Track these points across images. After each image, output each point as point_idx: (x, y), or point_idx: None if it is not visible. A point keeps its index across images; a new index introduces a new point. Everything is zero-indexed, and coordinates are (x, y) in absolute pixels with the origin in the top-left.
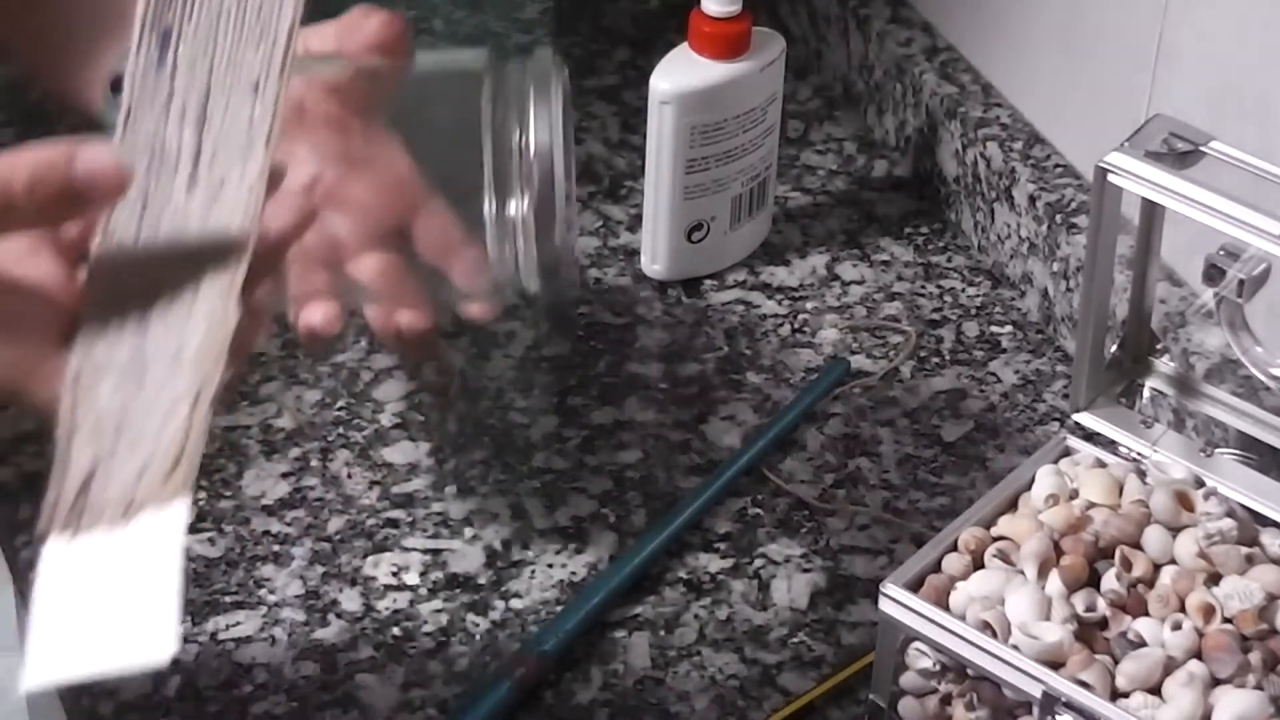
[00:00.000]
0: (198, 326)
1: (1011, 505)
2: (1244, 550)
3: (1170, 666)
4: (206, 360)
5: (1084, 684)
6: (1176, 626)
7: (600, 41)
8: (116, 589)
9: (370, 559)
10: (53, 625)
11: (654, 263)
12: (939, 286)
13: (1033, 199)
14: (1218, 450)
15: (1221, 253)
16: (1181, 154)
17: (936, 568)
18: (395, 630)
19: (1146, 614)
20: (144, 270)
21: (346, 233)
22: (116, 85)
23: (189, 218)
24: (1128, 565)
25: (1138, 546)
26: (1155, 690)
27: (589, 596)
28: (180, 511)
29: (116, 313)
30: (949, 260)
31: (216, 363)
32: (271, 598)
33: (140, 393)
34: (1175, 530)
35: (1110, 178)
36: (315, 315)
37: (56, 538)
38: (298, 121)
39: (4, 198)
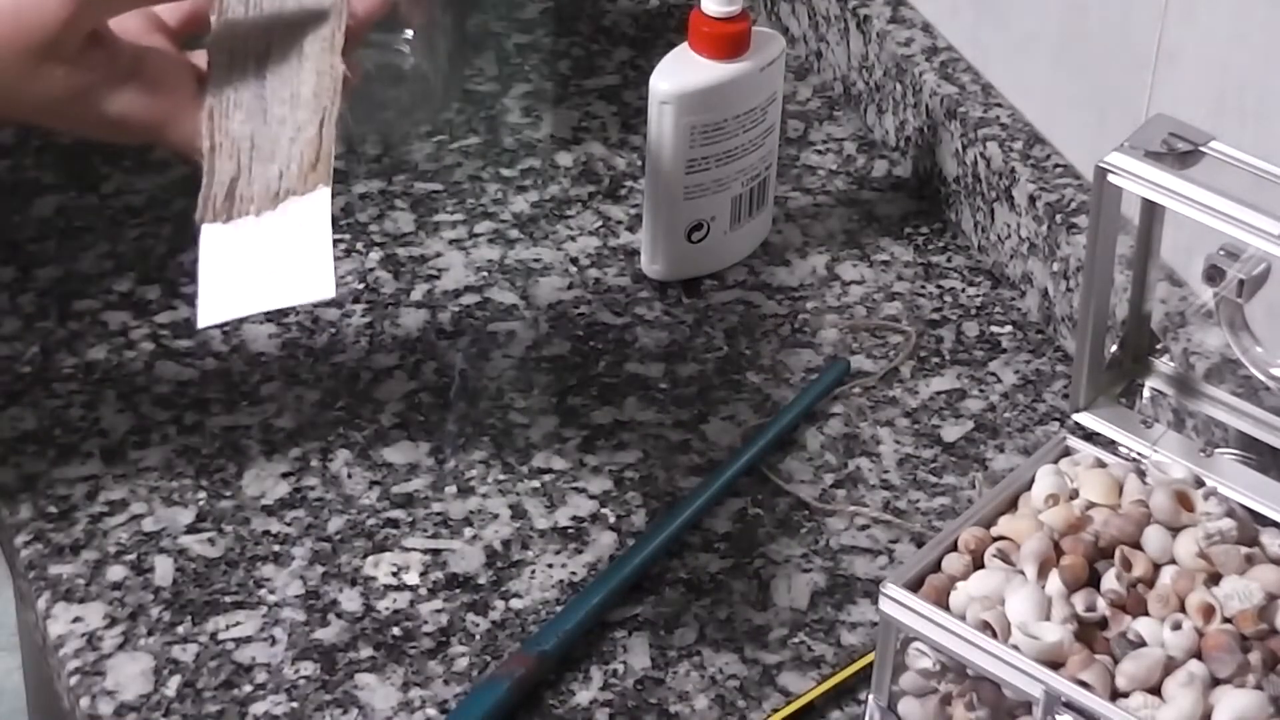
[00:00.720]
0: (308, 77)
1: (1011, 505)
2: (1244, 550)
3: (1170, 666)
4: (323, 97)
5: (1084, 684)
6: (1176, 626)
7: (600, 41)
8: (276, 246)
9: (370, 559)
10: (219, 276)
11: (654, 263)
12: (939, 286)
13: (1033, 199)
14: (1218, 450)
15: (1221, 253)
16: (1181, 154)
17: (936, 568)
18: (395, 630)
19: (1146, 614)
20: (256, 36)
21: None
22: None
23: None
24: (1128, 565)
25: (1138, 546)
26: (1155, 690)
27: (589, 596)
28: (325, 195)
29: (238, 70)
30: (949, 260)
31: (333, 99)
32: (271, 598)
33: (265, 125)
34: (1175, 530)
35: (1110, 178)
36: None
37: (210, 225)
38: None
39: None
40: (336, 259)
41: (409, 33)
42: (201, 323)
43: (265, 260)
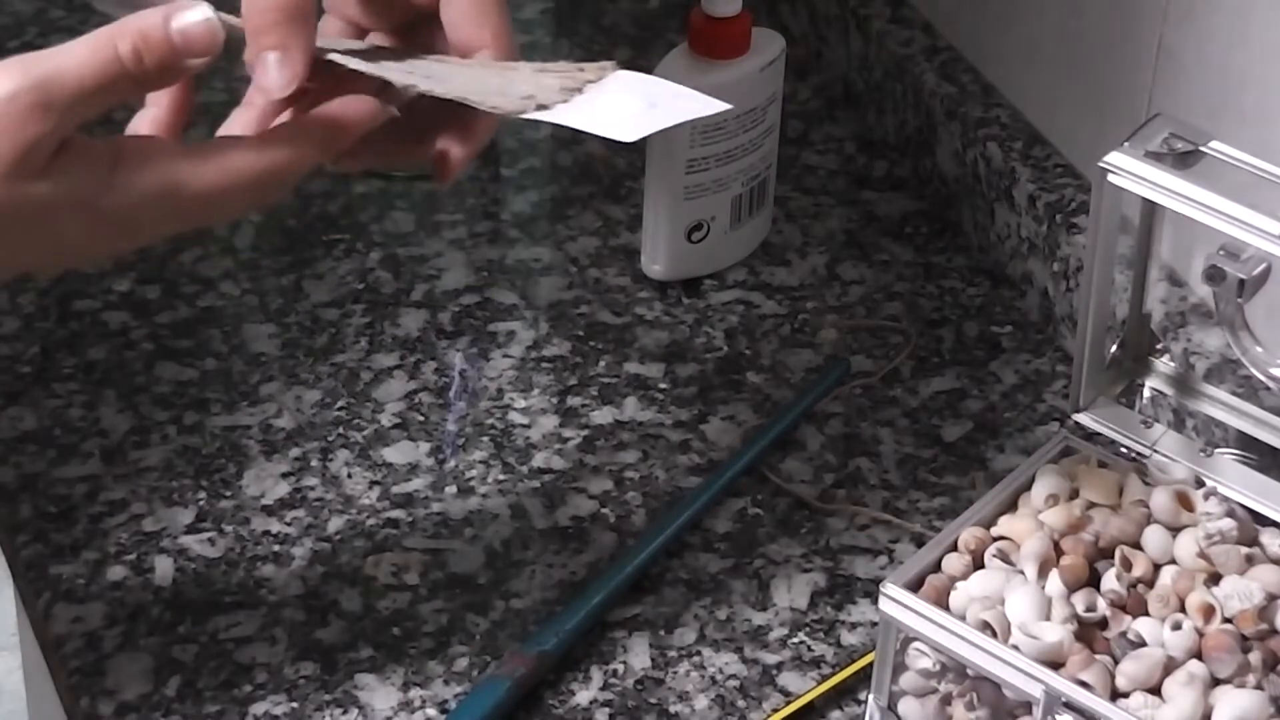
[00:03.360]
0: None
1: (1011, 505)
2: (1244, 550)
3: (1170, 666)
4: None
5: (1084, 684)
6: (1176, 626)
7: (600, 41)
8: (630, 93)
9: (370, 559)
10: (600, 113)
11: (654, 263)
12: (939, 286)
13: (1033, 199)
14: (1218, 450)
15: (1221, 253)
16: (1181, 154)
17: (936, 568)
18: (395, 630)
19: (1146, 614)
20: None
21: None
22: None
23: None
24: (1128, 565)
25: (1138, 546)
26: (1155, 690)
27: (589, 596)
28: (615, 67)
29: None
30: (949, 260)
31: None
32: (271, 598)
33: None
34: (1175, 530)
35: (1110, 178)
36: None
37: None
38: None
39: (113, 67)
40: (336, 259)
41: None
42: (633, 136)
43: (639, 96)
